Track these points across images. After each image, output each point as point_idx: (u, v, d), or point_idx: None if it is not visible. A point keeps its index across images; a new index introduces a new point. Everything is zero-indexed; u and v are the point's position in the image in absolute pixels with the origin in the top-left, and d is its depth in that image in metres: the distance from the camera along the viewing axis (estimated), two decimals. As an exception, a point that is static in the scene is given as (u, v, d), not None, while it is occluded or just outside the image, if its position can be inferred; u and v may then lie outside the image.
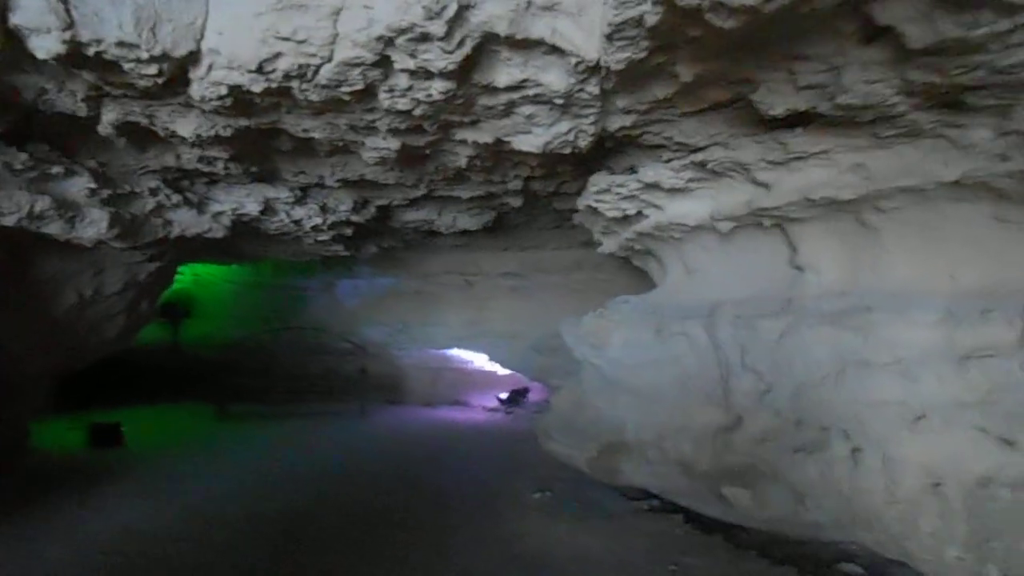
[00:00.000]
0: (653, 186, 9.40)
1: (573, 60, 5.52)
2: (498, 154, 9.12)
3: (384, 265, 21.89)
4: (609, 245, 12.92)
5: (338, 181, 10.02)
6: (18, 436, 13.99)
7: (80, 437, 16.36)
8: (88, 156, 8.03)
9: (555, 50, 5.48)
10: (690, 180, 8.96)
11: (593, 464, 11.85)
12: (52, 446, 15.86)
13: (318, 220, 11.29)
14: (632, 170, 9.53)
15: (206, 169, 8.77)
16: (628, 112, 7.06)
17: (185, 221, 9.92)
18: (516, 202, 12.37)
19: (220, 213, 10.18)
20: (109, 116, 6.77)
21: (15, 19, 4.80)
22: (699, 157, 8.29)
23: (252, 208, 10.17)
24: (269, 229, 11.62)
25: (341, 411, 21.65)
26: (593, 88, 6.09)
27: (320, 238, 12.67)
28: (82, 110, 6.58)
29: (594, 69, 5.70)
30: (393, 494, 11.82)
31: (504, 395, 22.74)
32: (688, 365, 10.57)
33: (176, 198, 9.38)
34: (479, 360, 23.53)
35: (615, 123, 7.34)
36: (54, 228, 8.26)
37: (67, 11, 4.81)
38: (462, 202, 12.46)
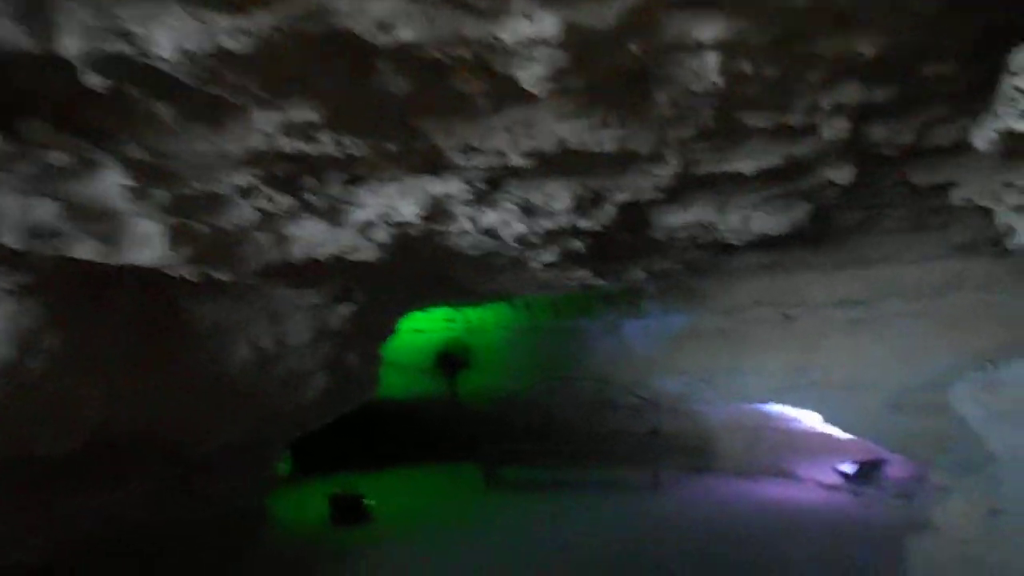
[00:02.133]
0: None
1: None
2: (789, 49, 4.60)
3: (674, 299, 17.51)
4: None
5: (528, 157, 6.18)
6: (248, 513, 12.24)
7: (324, 508, 14.44)
8: (127, 139, 5.19)
9: None
10: None
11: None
12: (292, 520, 14.13)
13: (521, 228, 7.54)
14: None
15: (310, 151, 5.52)
16: None
17: (311, 236, 6.83)
18: (842, 176, 7.41)
19: (367, 224, 6.91)
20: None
21: None
22: None
23: (409, 211, 6.75)
24: (460, 247, 8.16)
25: (630, 481, 17.50)
26: None
27: (544, 259, 8.92)
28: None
29: None
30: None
31: (849, 468, 16.65)
32: None
33: (288, 202, 6.28)
34: (809, 418, 17.74)
35: None
36: (84, 250, 5.58)
37: None
38: (750, 185, 7.85)
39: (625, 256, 10.46)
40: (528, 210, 7.43)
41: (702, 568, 11.43)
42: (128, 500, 9.40)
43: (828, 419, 16.25)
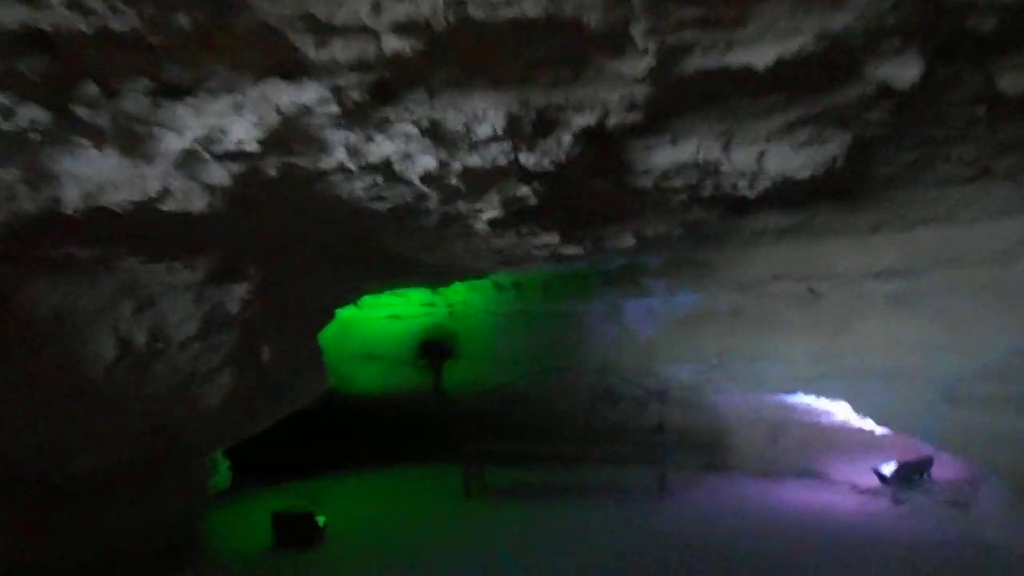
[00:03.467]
0: None
1: None
2: None
3: (681, 274, 15.13)
4: None
5: (406, 35, 3.90)
6: (169, 543, 10.12)
7: (268, 528, 12.25)
8: None
9: None
10: None
11: None
12: (229, 546, 11.94)
13: (430, 163, 5.24)
14: None
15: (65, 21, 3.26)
16: None
17: (90, 174, 4.55)
18: (905, 75, 5.02)
19: (188, 156, 4.62)
20: None
21: None
22: None
23: (246, 133, 4.46)
24: (355, 196, 5.86)
25: (633, 485, 15.22)
26: None
27: (487, 214, 6.61)
28: None
29: None
30: None
31: (889, 468, 14.22)
32: None
33: (43, 118, 4.00)
34: (841, 411, 15.31)
35: None
36: None
37: None
38: (766, 99, 5.49)
39: (604, 215, 8.08)
40: (439, 137, 5.11)
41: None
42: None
43: (863, 412, 13.83)
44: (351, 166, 5.15)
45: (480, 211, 6.49)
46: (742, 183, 7.25)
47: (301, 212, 6.04)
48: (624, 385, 16.74)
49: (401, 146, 5.04)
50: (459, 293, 18.15)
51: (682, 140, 6.40)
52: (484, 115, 5.08)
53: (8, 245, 5.11)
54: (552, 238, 7.97)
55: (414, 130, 4.93)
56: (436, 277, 11.23)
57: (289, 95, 4.37)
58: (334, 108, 4.45)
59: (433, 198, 6.01)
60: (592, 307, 17.71)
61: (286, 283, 8.25)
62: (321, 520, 12.45)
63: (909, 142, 7.45)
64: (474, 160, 5.42)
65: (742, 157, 6.63)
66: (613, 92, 5.17)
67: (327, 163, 5.11)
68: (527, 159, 5.63)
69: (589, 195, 7.30)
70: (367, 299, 18.72)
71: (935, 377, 11.71)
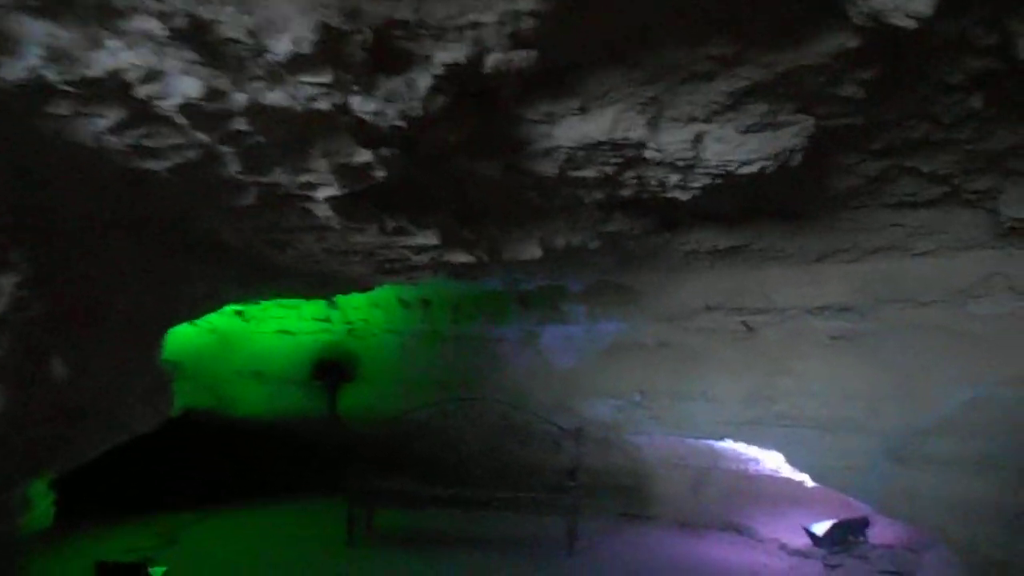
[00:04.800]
0: None
1: None
2: None
3: (604, 300, 13.61)
4: None
5: None
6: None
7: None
8: None
9: None
10: None
11: None
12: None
13: (193, 91, 3.39)
14: None
15: None
16: None
17: None
18: (915, 5, 3.43)
19: None
20: None
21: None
22: None
23: None
24: (105, 147, 3.95)
25: (541, 535, 13.37)
26: None
27: (323, 191, 4.75)
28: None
29: None
30: None
31: (821, 528, 12.78)
32: None
33: None
34: (771, 459, 13.87)
35: None
36: None
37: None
38: (703, 47, 3.87)
39: (499, 212, 6.33)
40: (208, 49, 3.26)
41: None
42: None
43: (797, 466, 12.38)
44: (60, 80, 3.26)
45: (312, 186, 4.64)
46: (673, 178, 5.62)
47: (50, 173, 4.11)
48: (538, 421, 14.96)
49: (144, 56, 3.18)
50: (360, 309, 16.21)
51: (594, 109, 4.73)
52: (283, 22, 3.26)
53: None
54: (429, 238, 6.15)
55: (161, 30, 3.08)
56: (310, 286, 9.28)
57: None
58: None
59: (229, 156, 4.14)
60: (507, 332, 15.97)
61: (85, 279, 6.23)
62: (158, 572, 10.23)
63: (879, 144, 5.95)
64: (275, 96, 3.59)
65: (674, 138, 5.00)
66: (488, 10, 3.44)
67: (18, 73, 3.18)
68: (362, 105, 3.83)
69: (474, 182, 5.53)
70: (253, 311, 16.59)
71: (880, 430, 10.32)
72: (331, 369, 17.22)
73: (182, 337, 14.25)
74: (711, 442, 14.27)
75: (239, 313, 16.40)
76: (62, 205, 5.23)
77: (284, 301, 15.17)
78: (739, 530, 14.36)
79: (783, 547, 13.14)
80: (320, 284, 9.44)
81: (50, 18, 3.01)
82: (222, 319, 16.13)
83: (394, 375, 16.90)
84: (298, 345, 17.16)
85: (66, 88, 3.31)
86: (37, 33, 3.05)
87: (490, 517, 14.18)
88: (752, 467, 14.47)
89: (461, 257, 6.84)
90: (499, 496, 14.16)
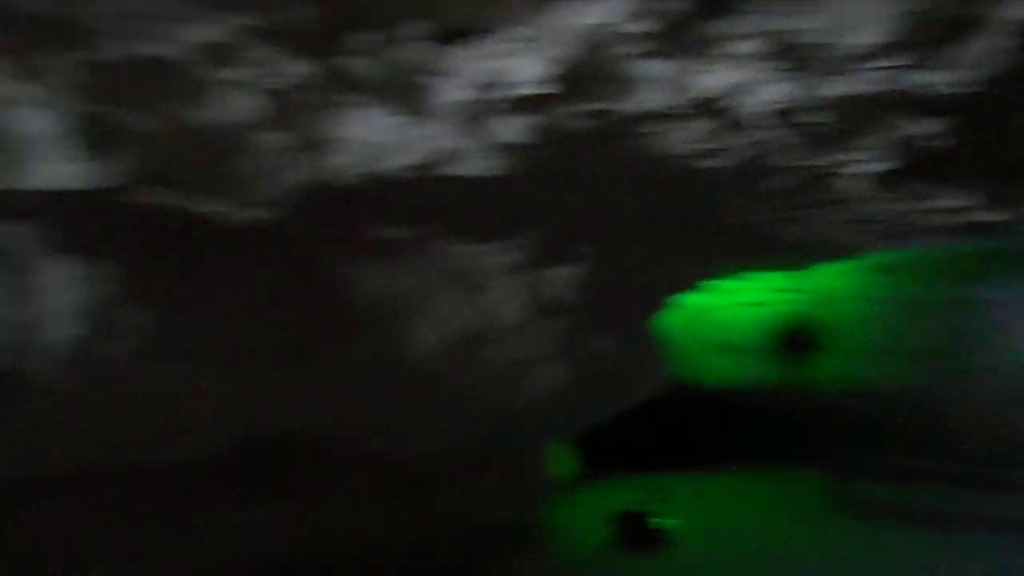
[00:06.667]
0: None
1: None
2: None
3: None
4: None
5: None
6: (504, 531, 10.14)
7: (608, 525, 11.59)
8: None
9: None
10: None
11: None
12: (570, 539, 11.52)
13: (776, 98, 3.87)
14: None
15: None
16: None
17: (363, 136, 3.97)
18: None
19: (464, 105, 3.88)
20: None
21: None
22: None
23: (535, 75, 3.61)
24: (674, 153, 4.67)
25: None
26: None
27: (864, 166, 4.93)
28: None
29: None
30: None
31: None
32: None
33: (310, 71, 3.57)
34: None
35: None
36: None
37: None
38: None
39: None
40: (790, 57, 3.70)
41: None
42: (321, 516, 7.75)
43: None
44: (669, 107, 4.00)
45: (854, 163, 4.85)
46: None
47: (617, 178, 5.07)
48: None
49: (735, 74, 3.76)
50: (823, 276, 15.82)
51: None
52: (861, 19, 3.56)
53: (315, 225, 5.03)
54: (966, 200, 5.83)
55: (754, 49, 3.61)
56: (791, 257, 9.46)
57: (586, 16, 3.38)
58: (645, 27, 3.36)
59: (783, 147, 4.57)
60: (1005, 294, 14.11)
61: (614, 265, 7.41)
62: (668, 523, 11.54)
63: None
64: (843, 86, 3.89)
65: None
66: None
67: (637, 105, 4.01)
68: (924, 78, 3.93)
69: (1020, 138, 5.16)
70: (720, 284, 17.33)
71: None
72: (798, 338, 17.10)
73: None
74: None
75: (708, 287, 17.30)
76: (610, 204, 6.31)
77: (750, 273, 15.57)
78: None
79: None
80: (803, 255, 9.58)
81: (663, 56, 3.77)
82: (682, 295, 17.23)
83: (865, 343, 16.10)
84: (763, 316, 17.43)
85: (671, 112, 4.10)
86: (653, 71, 3.83)
87: (999, 497, 12.75)
88: None
89: (996, 216, 6.31)
90: (1015, 474, 12.73)
